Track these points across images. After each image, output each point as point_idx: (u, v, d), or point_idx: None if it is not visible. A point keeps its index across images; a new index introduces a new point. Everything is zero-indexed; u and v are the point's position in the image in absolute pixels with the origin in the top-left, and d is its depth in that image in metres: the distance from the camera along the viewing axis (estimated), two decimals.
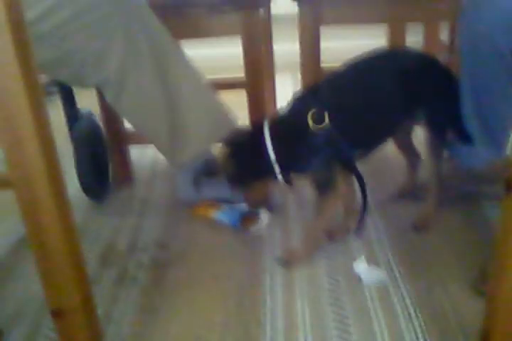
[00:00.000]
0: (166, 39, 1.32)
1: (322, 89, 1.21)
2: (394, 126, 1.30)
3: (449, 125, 1.33)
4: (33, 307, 1.18)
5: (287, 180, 1.22)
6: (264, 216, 1.41)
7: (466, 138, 1.33)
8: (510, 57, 1.19)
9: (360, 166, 1.20)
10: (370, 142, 1.26)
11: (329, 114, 1.15)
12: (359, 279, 1.19)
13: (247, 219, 1.40)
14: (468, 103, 1.30)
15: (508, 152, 1.36)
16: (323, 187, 1.23)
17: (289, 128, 1.18)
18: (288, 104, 1.22)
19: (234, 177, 1.23)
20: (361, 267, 1.22)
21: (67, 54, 1.21)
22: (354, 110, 1.19)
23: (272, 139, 1.16)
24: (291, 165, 1.20)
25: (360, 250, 1.29)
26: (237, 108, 2.02)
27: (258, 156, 1.18)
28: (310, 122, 1.14)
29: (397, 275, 1.20)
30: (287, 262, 1.26)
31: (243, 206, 1.40)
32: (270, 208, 1.42)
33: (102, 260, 1.33)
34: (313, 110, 1.15)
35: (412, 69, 1.25)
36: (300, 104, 1.20)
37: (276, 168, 1.18)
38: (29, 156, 0.89)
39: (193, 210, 1.48)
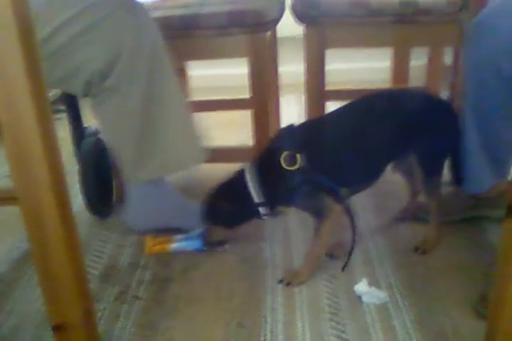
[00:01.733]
0: (166, 61, 1.32)
1: (300, 129, 1.24)
2: (380, 167, 1.28)
3: (441, 167, 1.33)
4: (35, 322, 1.18)
5: (273, 215, 1.24)
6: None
7: (457, 179, 1.39)
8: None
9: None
10: (355, 181, 1.26)
11: (305, 155, 1.17)
12: (360, 301, 1.19)
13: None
14: (472, 134, 1.31)
15: (510, 176, 1.37)
16: (316, 213, 1.25)
17: (266, 169, 1.21)
18: (268, 143, 1.26)
19: (221, 223, 1.28)
20: (362, 289, 1.22)
21: (77, 69, 1.23)
22: (334, 151, 1.20)
23: (253, 181, 1.20)
24: (274, 202, 1.23)
25: (361, 271, 1.29)
26: (242, 127, 2.04)
27: (242, 201, 1.21)
28: (283, 164, 1.17)
29: (398, 296, 1.20)
30: (289, 283, 1.26)
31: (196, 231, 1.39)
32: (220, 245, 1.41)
33: (104, 276, 1.33)
34: (285, 152, 1.18)
35: (400, 111, 1.25)
36: (275, 145, 1.23)
37: (262, 209, 1.22)
38: (35, 173, 0.90)
39: (147, 248, 1.42)
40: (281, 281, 1.27)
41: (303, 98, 1.61)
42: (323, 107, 1.58)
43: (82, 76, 1.23)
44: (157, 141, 1.34)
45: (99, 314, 1.19)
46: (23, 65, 0.82)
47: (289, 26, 1.60)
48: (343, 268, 1.28)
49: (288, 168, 1.17)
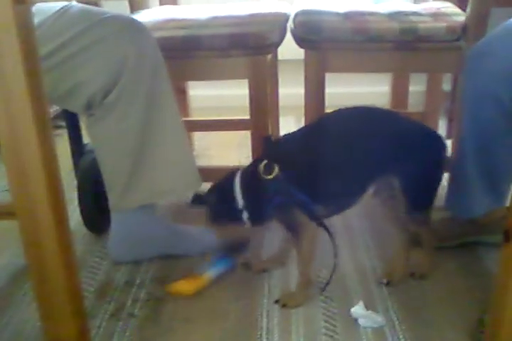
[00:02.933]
0: (166, 82, 1.31)
1: (283, 140, 1.26)
2: (358, 186, 1.24)
3: (426, 199, 1.28)
4: (30, 338, 1.18)
5: (257, 224, 1.25)
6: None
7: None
8: (510, 105, 1.21)
9: (360, 210, 1.22)
10: (331, 199, 1.23)
11: (281, 166, 1.18)
12: (356, 323, 1.19)
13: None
14: (469, 161, 1.31)
15: (507, 202, 1.37)
16: (290, 228, 1.26)
17: (248, 177, 1.23)
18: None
19: (210, 217, 1.27)
20: (359, 311, 1.22)
21: (78, 86, 1.23)
22: (311, 164, 1.19)
23: (240, 187, 1.22)
24: (255, 211, 1.23)
25: (358, 294, 1.29)
26: (242, 148, 2.06)
27: (229, 202, 1.22)
28: (261, 172, 1.19)
29: (395, 320, 1.20)
30: (284, 305, 1.26)
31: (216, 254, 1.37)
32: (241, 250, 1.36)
33: (100, 293, 1.32)
34: (264, 161, 1.19)
35: (381, 129, 1.23)
36: (261, 154, 1.26)
37: (245, 214, 1.22)
38: (34, 188, 0.90)
39: (187, 290, 1.31)
40: (277, 302, 1.27)
41: (302, 120, 1.62)
42: None
43: (83, 93, 1.24)
44: (150, 165, 1.32)
45: (94, 331, 1.18)
46: (24, 80, 0.83)
47: (290, 49, 1.62)
48: (322, 289, 1.27)
49: (264, 177, 1.18)
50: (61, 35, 1.20)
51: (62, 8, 1.26)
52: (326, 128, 1.25)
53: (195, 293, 1.29)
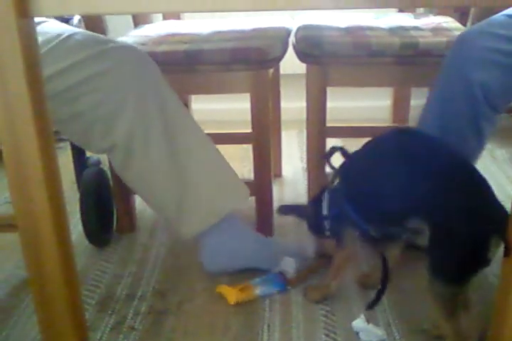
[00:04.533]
0: (177, 104, 1.32)
1: (354, 154, 1.23)
2: (397, 219, 1.13)
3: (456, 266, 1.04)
4: None
5: (335, 234, 1.27)
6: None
7: None
8: (480, 92, 1.23)
9: None
10: (379, 220, 1.17)
11: (343, 177, 1.20)
12: (357, 337, 1.19)
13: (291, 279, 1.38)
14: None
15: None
16: (335, 239, 1.27)
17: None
18: None
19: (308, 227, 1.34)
20: (360, 325, 1.21)
21: (77, 114, 1.23)
22: (363, 182, 1.17)
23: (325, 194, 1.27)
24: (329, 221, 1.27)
25: (360, 308, 1.29)
26: (244, 161, 2.06)
27: (318, 211, 1.28)
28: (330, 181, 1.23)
29: (396, 335, 1.20)
30: (305, 294, 1.33)
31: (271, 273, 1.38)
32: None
33: (101, 306, 1.32)
34: (334, 172, 1.22)
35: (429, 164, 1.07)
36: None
37: (326, 223, 1.26)
38: (35, 201, 0.91)
39: (231, 297, 1.32)
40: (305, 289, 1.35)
41: (304, 134, 1.63)
42: (323, 143, 1.60)
43: (82, 122, 1.24)
44: (193, 190, 1.32)
45: None
46: (26, 91, 0.83)
47: (292, 64, 1.63)
48: (367, 307, 1.21)
49: (330, 186, 1.23)
50: (61, 61, 1.19)
51: (64, 32, 1.24)
52: (385, 149, 1.18)
53: (235, 303, 1.30)
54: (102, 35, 1.34)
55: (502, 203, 1.03)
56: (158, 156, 1.27)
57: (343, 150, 1.23)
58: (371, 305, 1.20)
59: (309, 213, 1.31)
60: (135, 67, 1.24)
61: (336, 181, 1.21)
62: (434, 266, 1.04)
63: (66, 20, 1.44)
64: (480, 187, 1.04)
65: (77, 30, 1.30)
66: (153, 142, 1.26)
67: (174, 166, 1.29)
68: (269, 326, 1.24)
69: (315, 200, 1.30)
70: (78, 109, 1.22)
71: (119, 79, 1.22)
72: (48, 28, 1.26)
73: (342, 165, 1.22)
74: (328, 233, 1.27)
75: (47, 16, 1.24)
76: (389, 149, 1.16)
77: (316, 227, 1.31)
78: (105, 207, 1.62)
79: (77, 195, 1.55)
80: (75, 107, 1.22)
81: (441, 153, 1.09)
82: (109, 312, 1.30)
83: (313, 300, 1.32)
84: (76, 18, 1.54)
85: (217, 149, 1.38)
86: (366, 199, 1.15)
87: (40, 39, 1.18)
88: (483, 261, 1.00)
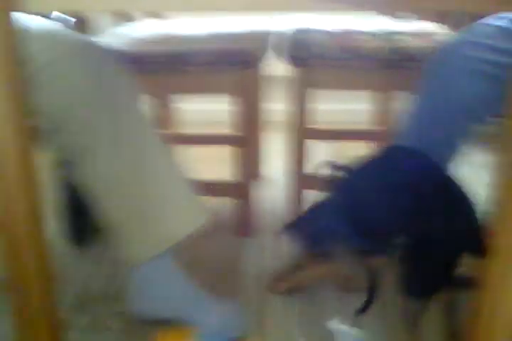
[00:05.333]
0: (132, 105, 1.18)
1: (346, 170, 1.23)
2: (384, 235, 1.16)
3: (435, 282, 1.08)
4: None
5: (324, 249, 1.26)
6: None
7: None
8: (464, 102, 1.23)
9: None
10: (369, 234, 1.17)
11: (333, 193, 1.20)
12: (333, 338, 1.19)
13: None
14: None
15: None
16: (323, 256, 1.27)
17: None
18: None
19: None
20: (335, 327, 1.22)
21: (56, 111, 1.12)
22: (354, 199, 1.18)
23: None
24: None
25: (334, 309, 1.29)
26: (225, 162, 2.06)
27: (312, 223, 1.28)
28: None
29: (371, 335, 1.20)
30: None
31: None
32: None
33: (76, 306, 1.31)
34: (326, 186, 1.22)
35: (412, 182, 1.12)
36: None
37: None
38: (12, 200, 0.90)
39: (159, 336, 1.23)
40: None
41: (286, 135, 1.63)
42: (304, 145, 1.60)
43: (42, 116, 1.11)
44: (155, 213, 1.17)
45: None
46: (4, 90, 0.83)
47: (276, 65, 1.63)
48: (355, 315, 1.21)
49: (321, 200, 1.22)
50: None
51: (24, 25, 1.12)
52: (378, 166, 1.20)
53: None
54: (57, 28, 1.21)
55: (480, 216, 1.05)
56: (110, 165, 1.14)
57: (336, 165, 1.23)
58: (358, 314, 1.19)
59: (305, 224, 1.29)
60: (84, 57, 1.12)
61: (329, 195, 1.21)
62: (403, 279, 1.09)
63: (46, 18, 1.42)
64: (462, 207, 1.07)
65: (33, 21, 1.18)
66: (103, 143, 1.12)
67: (138, 181, 1.15)
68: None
69: (310, 212, 1.29)
70: (38, 99, 1.09)
71: (65, 71, 1.10)
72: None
73: (334, 180, 1.22)
74: (317, 244, 1.26)
75: (28, 12, 1.22)
76: (379, 167, 1.19)
77: (311, 239, 1.29)
78: (82, 205, 1.60)
79: (55, 194, 1.54)
80: (36, 97, 1.09)
81: (430, 173, 1.13)
82: (85, 311, 1.29)
83: (278, 292, 1.31)
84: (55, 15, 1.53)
85: (175, 161, 1.24)
86: (357, 214, 1.16)
87: None
88: (448, 279, 1.04)
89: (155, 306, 1.22)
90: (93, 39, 1.46)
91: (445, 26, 1.62)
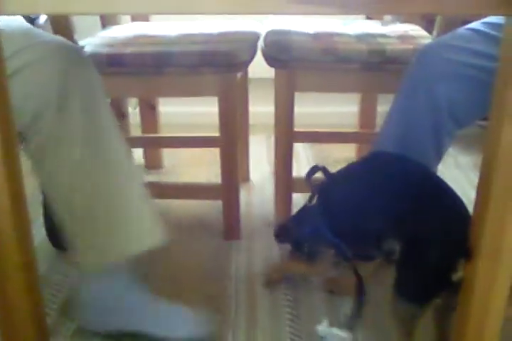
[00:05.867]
0: (106, 116, 1.16)
1: (334, 174, 1.23)
2: (373, 239, 1.14)
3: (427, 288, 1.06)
4: None
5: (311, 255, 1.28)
6: None
7: None
8: (444, 105, 1.22)
9: None
10: (355, 241, 1.17)
11: (320, 197, 1.21)
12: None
13: None
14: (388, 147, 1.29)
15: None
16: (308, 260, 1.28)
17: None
18: None
19: None
20: (325, 329, 1.22)
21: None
22: (342, 204, 1.18)
23: None
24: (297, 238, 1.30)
25: (324, 312, 1.29)
26: (211, 165, 2.06)
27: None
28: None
29: (360, 339, 1.20)
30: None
31: None
32: None
33: (63, 311, 1.30)
34: (313, 190, 1.23)
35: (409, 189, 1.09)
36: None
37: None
38: None
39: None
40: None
41: (272, 138, 1.63)
42: (291, 148, 1.60)
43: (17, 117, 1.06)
44: (115, 219, 1.16)
45: None
46: None
47: (261, 68, 1.63)
48: (348, 327, 1.18)
49: (308, 204, 1.23)
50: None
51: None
52: (363, 171, 1.20)
53: None
54: (38, 30, 1.22)
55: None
56: (73, 172, 1.12)
57: (325, 170, 1.23)
58: (350, 324, 1.17)
59: (291, 229, 1.30)
60: (60, 58, 1.11)
61: (314, 199, 1.21)
62: (398, 283, 1.05)
63: (32, 20, 1.41)
64: (452, 208, 1.06)
65: (12, 23, 1.17)
66: (69, 145, 1.11)
67: (98, 185, 1.14)
68: (234, 330, 1.24)
69: (296, 217, 1.31)
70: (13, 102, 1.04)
71: (41, 72, 1.09)
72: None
73: (321, 185, 1.23)
74: (304, 250, 1.27)
75: (13, 15, 1.21)
76: (366, 172, 1.19)
77: (296, 243, 1.30)
78: None
79: (40, 198, 1.53)
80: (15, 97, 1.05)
81: (417, 176, 1.12)
82: (72, 316, 1.28)
83: (271, 282, 1.37)
84: (42, 18, 1.52)
85: (137, 176, 1.24)
86: (343, 220, 1.16)
87: None
88: (446, 284, 1.01)
89: (104, 318, 1.20)
90: (77, 42, 1.46)
91: (430, 30, 1.63)
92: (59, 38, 1.17)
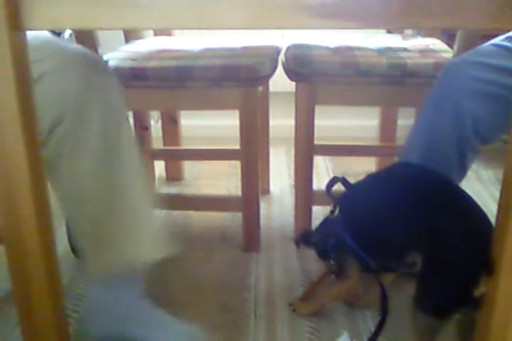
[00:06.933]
0: (125, 130, 1.17)
1: (357, 185, 1.23)
2: (398, 251, 1.15)
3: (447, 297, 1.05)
4: None
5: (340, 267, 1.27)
6: None
7: None
8: (469, 122, 1.22)
9: None
10: (378, 255, 1.17)
11: (342, 209, 1.20)
12: None
13: None
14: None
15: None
16: (337, 269, 1.26)
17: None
18: None
19: None
20: None
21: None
22: (363, 215, 1.18)
23: None
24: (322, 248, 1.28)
25: (344, 325, 1.29)
26: (232, 177, 2.07)
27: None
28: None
29: None
30: (294, 310, 1.34)
31: None
32: None
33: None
34: (334, 202, 1.22)
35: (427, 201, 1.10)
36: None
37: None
38: (21, 214, 0.91)
39: None
40: (290, 305, 1.36)
41: (292, 151, 1.64)
42: (311, 161, 1.61)
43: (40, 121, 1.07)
44: (122, 224, 1.18)
45: None
46: (16, 106, 0.84)
47: (282, 82, 1.65)
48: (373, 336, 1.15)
49: (329, 216, 1.22)
50: None
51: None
52: (385, 182, 1.20)
53: None
54: (60, 40, 1.23)
55: None
56: (86, 169, 1.13)
57: (344, 181, 1.23)
58: (373, 338, 1.15)
59: (316, 240, 1.29)
60: (82, 67, 1.12)
61: (336, 211, 1.21)
62: (419, 296, 1.05)
63: (57, 35, 1.44)
64: (476, 222, 1.05)
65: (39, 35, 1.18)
66: (84, 151, 1.12)
67: (104, 189, 1.15)
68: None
69: (318, 230, 1.30)
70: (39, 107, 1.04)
71: (63, 79, 1.10)
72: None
73: (342, 196, 1.23)
74: (331, 261, 1.27)
75: (39, 30, 1.24)
76: (388, 183, 1.18)
77: (322, 254, 1.29)
78: None
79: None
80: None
81: (440, 187, 1.11)
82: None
83: (303, 314, 1.33)
84: (67, 33, 1.55)
85: (147, 189, 1.24)
86: (366, 231, 1.16)
87: None
88: (469, 299, 1.00)
89: (104, 324, 1.21)
90: (101, 56, 1.49)
91: (451, 44, 1.64)
92: (82, 48, 1.18)
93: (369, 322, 1.30)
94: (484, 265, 0.95)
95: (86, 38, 1.46)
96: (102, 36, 1.53)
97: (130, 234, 1.19)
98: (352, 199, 1.22)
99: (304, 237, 1.33)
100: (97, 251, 1.19)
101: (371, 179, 1.22)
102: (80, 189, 1.14)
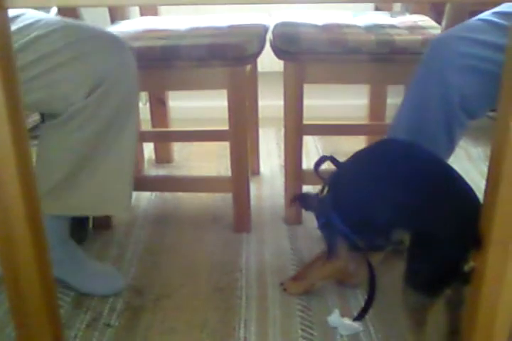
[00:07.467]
0: (136, 104, 1.33)
1: (344, 163, 1.23)
2: (384, 228, 1.12)
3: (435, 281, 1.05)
4: None
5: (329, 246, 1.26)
6: None
7: None
8: (456, 97, 1.22)
9: None
10: (366, 231, 1.16)
11: (330, 188, 1.20)
12: (333, 332, 1.20)
13: None
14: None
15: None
16: (326, 248, 1.25)
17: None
18: None
19: None
20: (336, 320, 1.23)
21: (62, 96, 1.21)
22: (351, 193, 1.18)
23: None
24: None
25: (335, 303, 1.30)
26: (221, 158, 2.07)
27: None
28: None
29: (372, 329, 1.21)
30: (285, 289, 1.35)
31: None
32: None
33: (76, 303, 1.32)
34: (323, 181, 1.23)
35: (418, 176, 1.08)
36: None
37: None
38: (10, 197, 0.90)
39: None
40: (281, 284, 1.36)
41: (282, 132, 1.63)
42: (300, 140, 1.60)
43: (66, 102, 1.22)
44: (87, 177, 1.28)
45: None
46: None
47: (270, 61, 1.63)
48: (356, 319, 1.18)
49: (319, 195, 1.22)
50: (41, 49, 1.18)
51: (40, 20, 1.23)
52: (371, 160, 1.18)
53: None
54: (82, 23, 1.33)
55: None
56: (90, 133, 1.24)
57: (333, 160, 1.23)
58: (360, 316, 1.16)
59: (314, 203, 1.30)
60: (115, 49, 1.24)
61: (325, 190, 1.21)
62: (409, 273, 1.04)
63: None
64: (464, 197, 1.05)
65: (51, 16, 1.30)
66: (97, 118, 1.23)
67: (93, 147, 1.26)
68: (246, 322, 1.24)
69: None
70: (64, 90, 1.21)
71: (97, 63, 1.21)
72: (29, 15, 1.25)
73: (331, 175, 1.23)
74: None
75: (24, 7, 1.22)
76: (374, 160, 1.18)
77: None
78: None
79: None
80: (60, 88, 1.22)
81: (427, 163, 1.10)
82: (85, 309, 1.30)
83: (294, 293, 1.33)
84: (52, 12, 1.53)
85: (134, 158, 1.35)
86: (353, 210, 1.16)
87: (15, 26, 1.18)
88: (458, 274, 1.00)
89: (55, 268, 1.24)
90: None
91: (439, 21, 1.63)
92: (110, 32, 1.31)
93: (360, 300, 1.31)
94: (473, 240, 0.95)
95: (71, 18, 1.43)
96: (87, 16, 1.51)
97: (100, 185, 1.29)
98: (339, 178, 1.22)
99: (302, 199, 1.34)
100: (64, 190, 1.28)
101: (358, 157, 1.21)
102: (72, 150, 1.25)
